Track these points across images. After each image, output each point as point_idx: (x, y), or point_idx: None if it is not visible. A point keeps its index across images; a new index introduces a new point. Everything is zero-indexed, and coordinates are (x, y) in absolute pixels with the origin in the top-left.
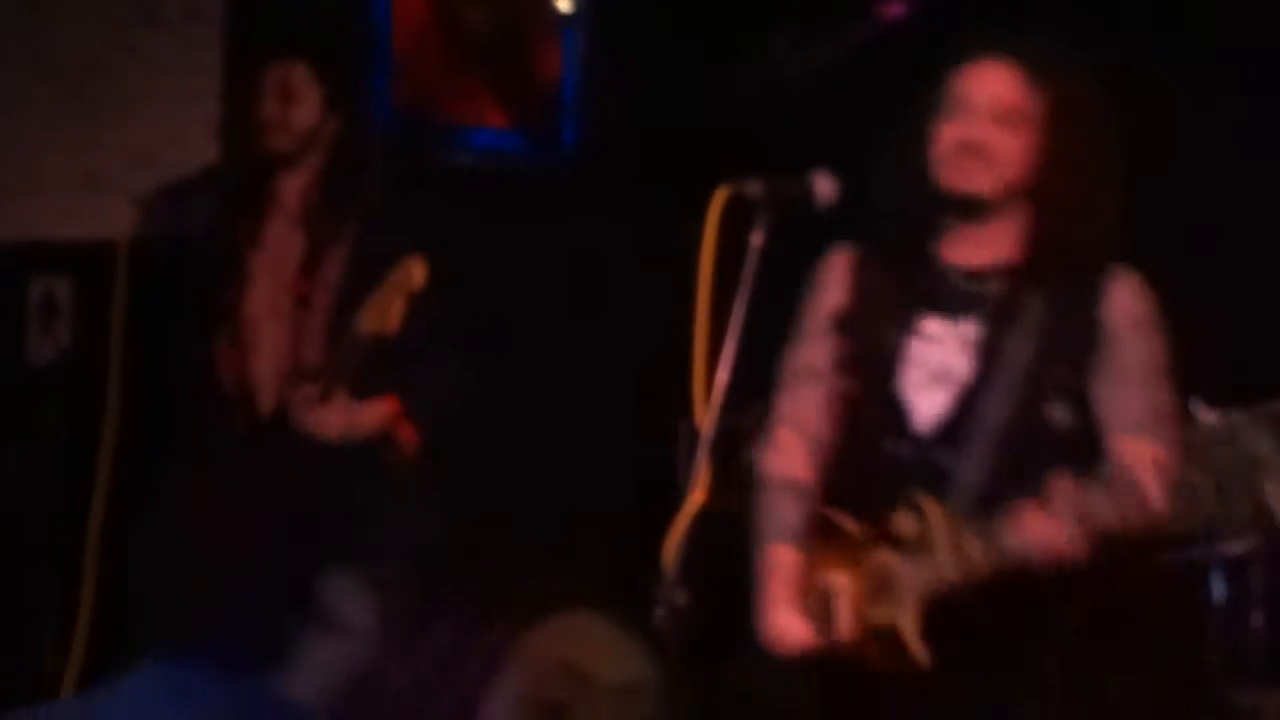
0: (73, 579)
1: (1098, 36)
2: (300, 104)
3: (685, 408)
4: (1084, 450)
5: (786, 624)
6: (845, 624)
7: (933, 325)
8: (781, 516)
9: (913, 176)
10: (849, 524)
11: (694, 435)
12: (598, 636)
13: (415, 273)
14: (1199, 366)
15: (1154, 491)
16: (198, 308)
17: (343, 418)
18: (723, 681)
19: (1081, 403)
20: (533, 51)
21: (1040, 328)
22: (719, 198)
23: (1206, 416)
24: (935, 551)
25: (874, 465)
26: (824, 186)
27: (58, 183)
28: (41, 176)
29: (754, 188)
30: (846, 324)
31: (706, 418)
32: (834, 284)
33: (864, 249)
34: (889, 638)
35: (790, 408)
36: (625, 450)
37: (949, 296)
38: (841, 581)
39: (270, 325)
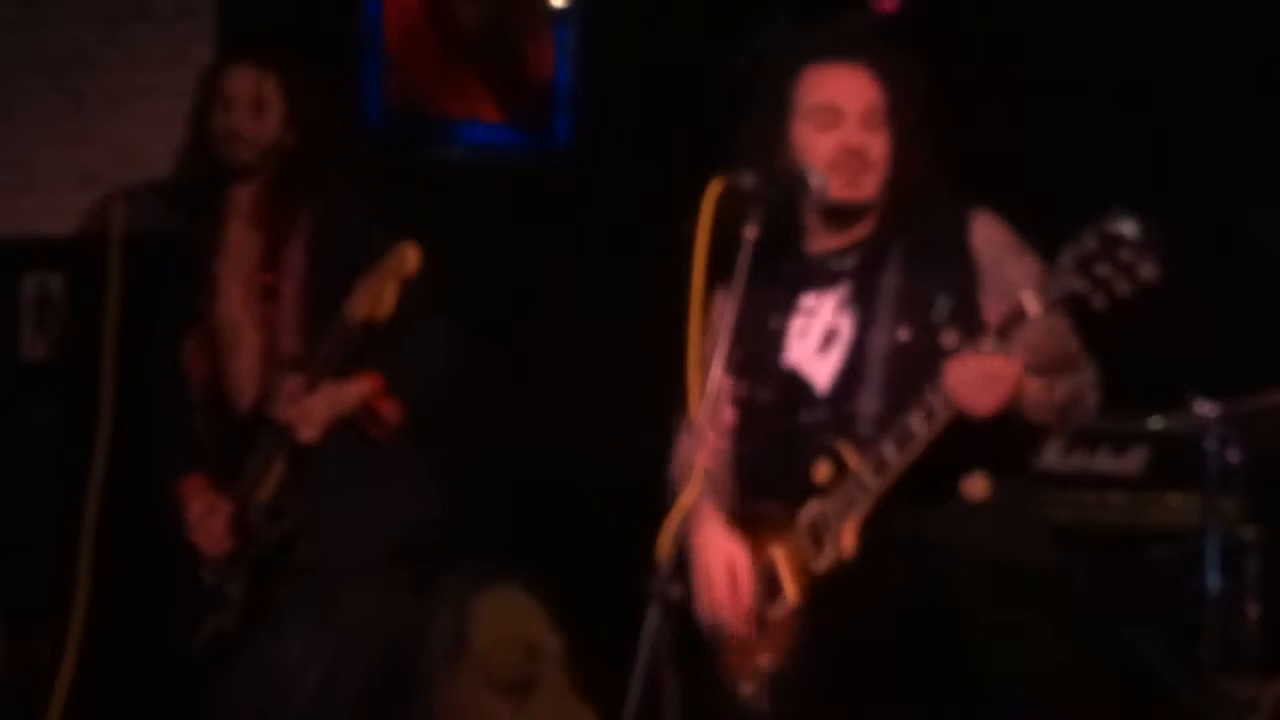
0: (67, 573)
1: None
2: (268, 117)
3: (681, 401)
4: None
5: (717, 541)
6: (792, 588)
7: (809, 300)
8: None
9: (783, 182)
10: (771, 508)
11: (689, 429)
12: (531, 607)
13: (410, 258)
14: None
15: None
16: (172, 310)
17: (328, 407)
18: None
19: (973, 328)
20: (525, 46)
21: (909, 263)
22: (712, 190)
23: (1203, 408)
24: (852, 474)
25: (792, 440)
26: (818, 180)
27: (51, 179)
28: (35, 173)
29: (748, 180)
30: (736, 334)
31: (701, 411)
32: (724, 311)
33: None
34: (839, 572)
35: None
36: (620, 444)
37: (818, 275)
38: (779, 553)
39: (246, 325)
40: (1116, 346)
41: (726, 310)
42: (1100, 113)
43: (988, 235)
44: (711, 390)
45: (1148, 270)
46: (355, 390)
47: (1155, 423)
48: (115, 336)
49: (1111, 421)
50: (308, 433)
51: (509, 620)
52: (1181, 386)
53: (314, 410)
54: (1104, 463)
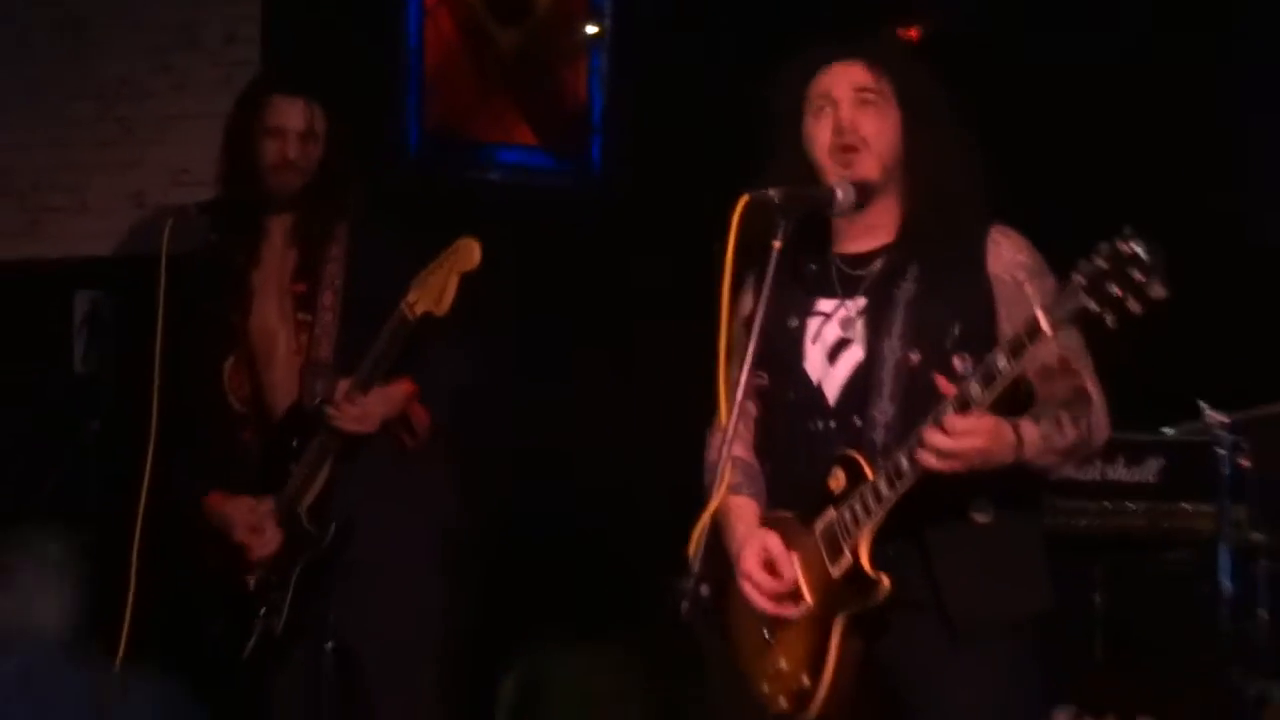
0: (118, 582)
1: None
2: (315, 146)
3: (712, 408)
4: None
5: (750, 531)
6: (809, 593)
7: (825, 304)
8: (730, 481)
9: (809, 195)
10: (790, 514)
11: (717, 430)
12: None
13: (473, 252)
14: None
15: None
16: (209, 328)
17: (383, 404)
18: None
19: (984, 352)
20: (560, 73)
21: (925, 283)
22: (740, 204)
23: (1214, 418)
24: (867, 483)
25: (804, 449)
26: (843, 192)
27: (103, 202)
28: (87, 196)
29: (775, 193)
30: (762, 332)
31: (729, 417)
32: (745, 297)
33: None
34: (855, 579)
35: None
36: (656, 452)
37: (838, 280)
38: (796, 559)
39: (281, 335)
40: (1133, 361)
41: (754, 309)
42: (1119, 132)
43: (1007, 257)
44: (737, 386)
45: (1157, 289)
46: (400, 391)
47: (1170, 433)
48: (162, 350)
49: (1128, 433)
50: (366, 427)
51: None
52: (1195, 398)
53: (371, 407)
54: (1121, 472)
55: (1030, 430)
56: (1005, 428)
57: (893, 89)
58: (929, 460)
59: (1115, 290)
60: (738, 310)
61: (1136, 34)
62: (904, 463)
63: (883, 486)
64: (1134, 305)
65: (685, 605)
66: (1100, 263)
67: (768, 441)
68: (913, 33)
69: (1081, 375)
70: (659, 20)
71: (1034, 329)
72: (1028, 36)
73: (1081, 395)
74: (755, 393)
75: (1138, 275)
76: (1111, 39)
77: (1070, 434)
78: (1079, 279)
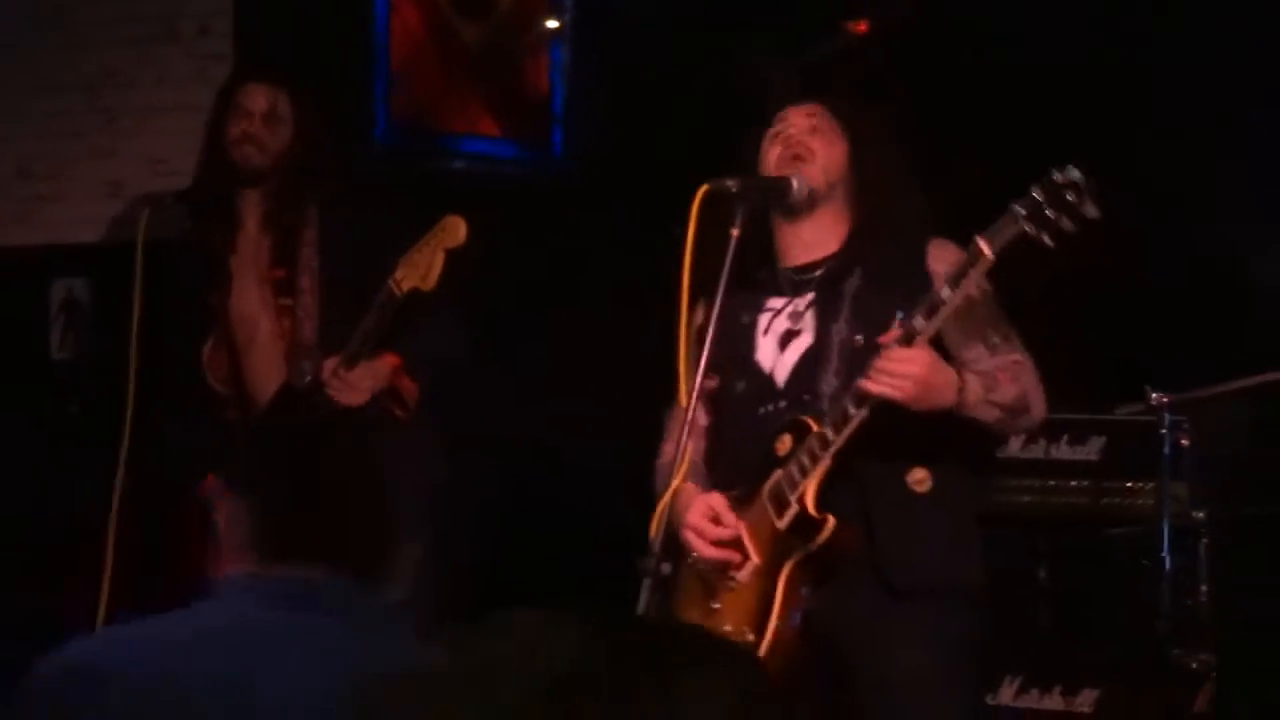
0: (92, 566)
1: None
2: (281, 128)
3: (670, 395)
4: None
5: (697, 499)
6: (755, 551)
7: (775, 302)
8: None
9: (765, 184)
10: (733, 493)
11: (675, 421)
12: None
13: (458, 228)
14: (1150, 353)
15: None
16: (187, 311)
17: (370, 378)
18: None
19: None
20: (523, 65)
21: (869, 280)
22: (700, 193)
23: (1156, 399)
24: (814, 435)
25: (755, 432)
26: (799, 182)
27: (82, 190)
28: (67, 184)
29: (733, 183)
30: (715, 333)
31: (690, 400)
32: (697, 311)
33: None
34: (801, 523)
35: (676, 428)
36: (613, 436)
37: (786, 284)
38: (743, 524)
39: (263, 319)
40: (1079, 345)
41: (710, 313)
42: (1063, 117)
43: (945, 256)
44: (695, 389)
45: (1090, 209)
46: (385, 364)
47: (1112, 413)
48: (139, 337)
49: (1072, 413)
50: (356, 400)
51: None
52: (1137, 380)
53: (358, 382)
54: (1065, 451)
55: (971, 377)
56: (947, 366)
57: (842, 127)
58: (874, 386)
59: (1051, 213)
60: (691, 319)
61: (1117, 32)
62: (850, 407)
63: (829, 433)
64: (1067, 224)
65: (645, 597)
66: (1037, 194)
67: (718, 442)
68: (861, 27)
69: (1014, 346)
70: (618, 15)
71: (975, 254)
72: (992, 32)
73: (1015, 363)
74: (706, 398)
75: (1072, 197)
76: (1087, 37)
77: (1010, 389)
78: (1017, 209)
